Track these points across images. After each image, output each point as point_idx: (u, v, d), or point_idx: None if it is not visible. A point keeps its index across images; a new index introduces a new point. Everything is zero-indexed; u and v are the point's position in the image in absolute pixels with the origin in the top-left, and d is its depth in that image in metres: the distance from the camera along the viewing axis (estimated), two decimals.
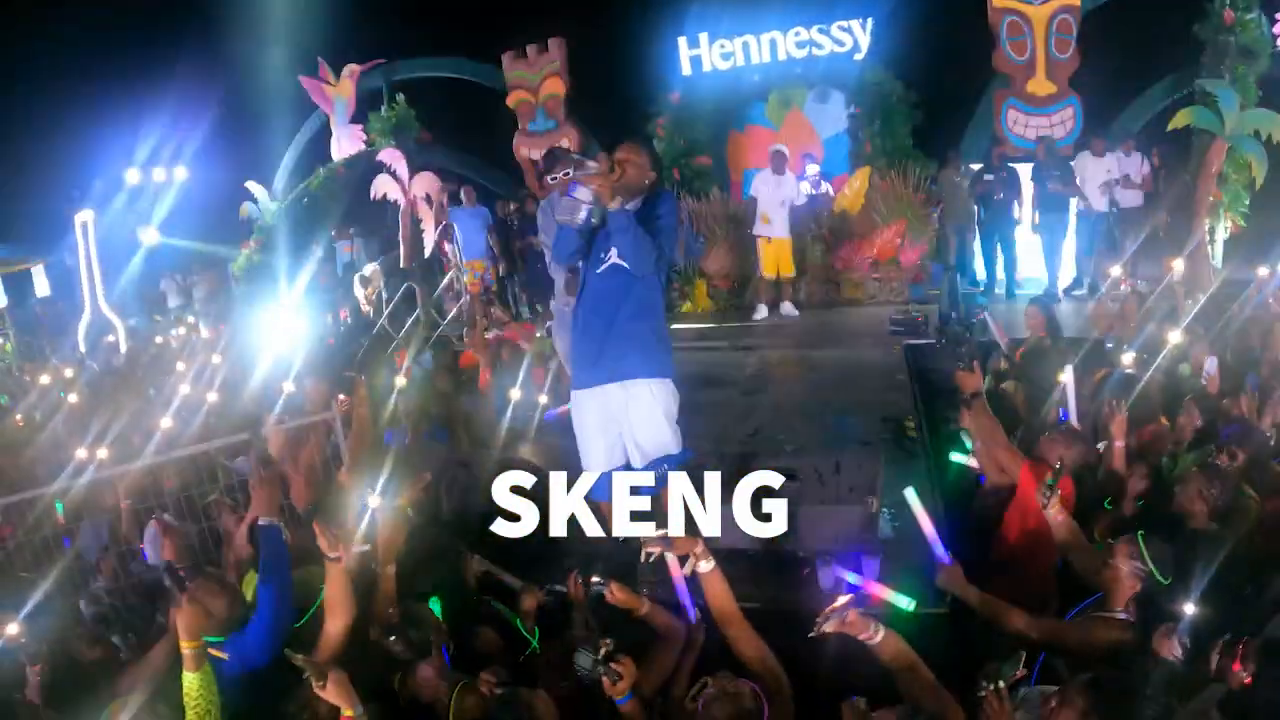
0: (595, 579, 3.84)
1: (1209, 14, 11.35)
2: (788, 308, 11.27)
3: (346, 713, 3.06)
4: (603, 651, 3.15)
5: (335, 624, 3.58)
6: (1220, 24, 11.27)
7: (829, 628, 3.12)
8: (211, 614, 3.46)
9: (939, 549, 3.98)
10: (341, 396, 6.17)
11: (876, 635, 3.18)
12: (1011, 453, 4.68)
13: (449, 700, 3.45)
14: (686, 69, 13.75)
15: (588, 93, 15.07)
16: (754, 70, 13.69)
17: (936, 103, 13.26)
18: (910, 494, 3.99)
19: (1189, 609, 3.31)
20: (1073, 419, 5.37)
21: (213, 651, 3.42)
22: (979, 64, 12.98)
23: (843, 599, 3.18)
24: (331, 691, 3.05)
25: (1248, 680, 2.96)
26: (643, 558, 3.46)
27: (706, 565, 3.46)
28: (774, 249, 10.87)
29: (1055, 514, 4.08)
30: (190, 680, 3.25)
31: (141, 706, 3.25)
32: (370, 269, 14.86)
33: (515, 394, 7.11)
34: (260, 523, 3.77)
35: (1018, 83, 12.73)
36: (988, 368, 7.59)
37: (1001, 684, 2.90)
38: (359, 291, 14.49)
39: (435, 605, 4.00)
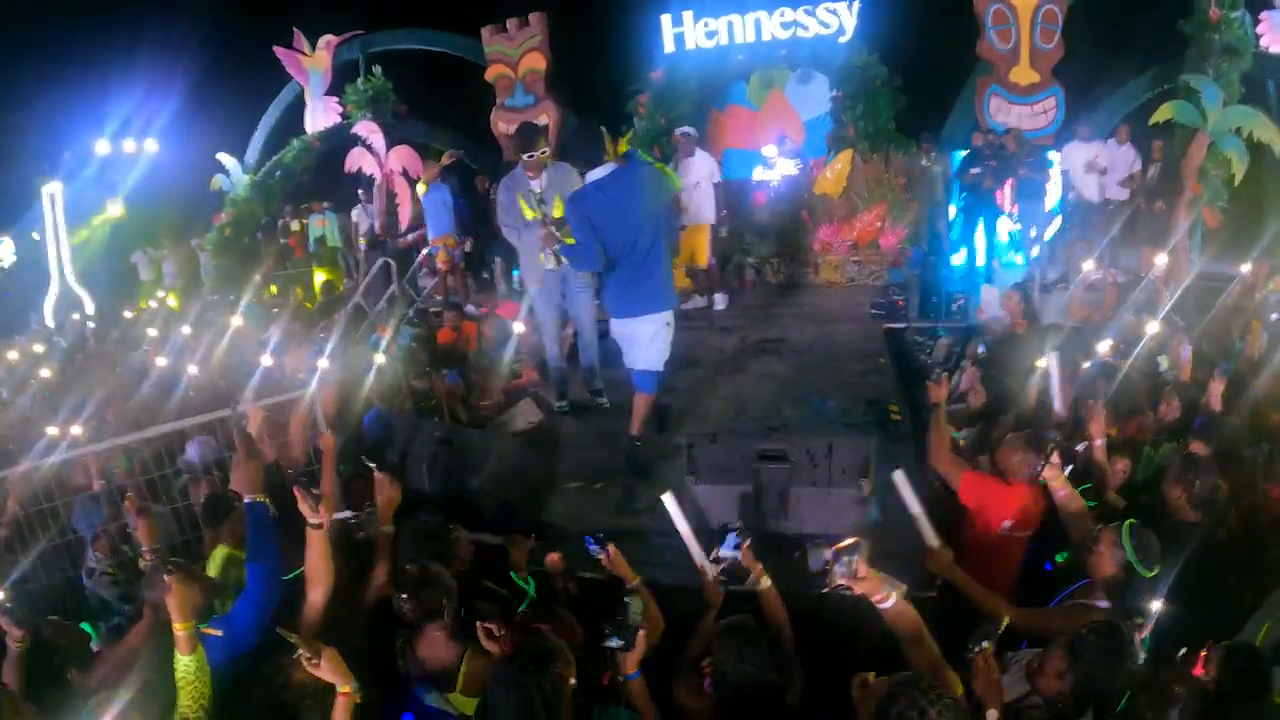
0: (593, 541, 3.87)
1: (1195, 11, 11.42)
2: (719, 300, 10.70)
3: (342, 689, 2.99)
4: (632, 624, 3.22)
5: (316, 593, 3.52)
6: (1206, 21, 11.35)
7: (842, 580, 3.09)
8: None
9: (927, 532, 3.96)
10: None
11: (888, 599, 3.15)
12: (954, 464, 4.71)
13: (459, 664, 3.41)
14: (670, 46, 13.61)
15: (568, 68, 14.89)
16: (738, 50, 13.58)
17: (920, 88, 13.20)
18: (899, 476, 3.96)
19: (1155, 606, 3.32)
20: (1057, 405, 5.37)
21: (206, 630, 3.33)
22: (964, 50, 12.95)
23: (849, 539, 3.14)
24: (325, 668, 2.98)
25: (1210, 685, 3.00)
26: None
27: (765, 583, 3.63)
28: (688, 238, 10.43)
29: (1057, 487, 4.18)
30: (185, 663, 3.15)
31: (128, 703, 3.10)
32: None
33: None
34: (245, 500, 3.68)
35: (1001, 70, 12.73)
36: (966, 353, 7.62)
37: (987, 644, 3.01)
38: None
39: None
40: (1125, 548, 3.62)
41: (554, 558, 4.07)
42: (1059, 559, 4.54)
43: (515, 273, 12.06)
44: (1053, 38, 12.47)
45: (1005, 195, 11.61)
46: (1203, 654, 3.14)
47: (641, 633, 3.23)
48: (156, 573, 3.41)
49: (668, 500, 3.97)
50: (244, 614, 3.47)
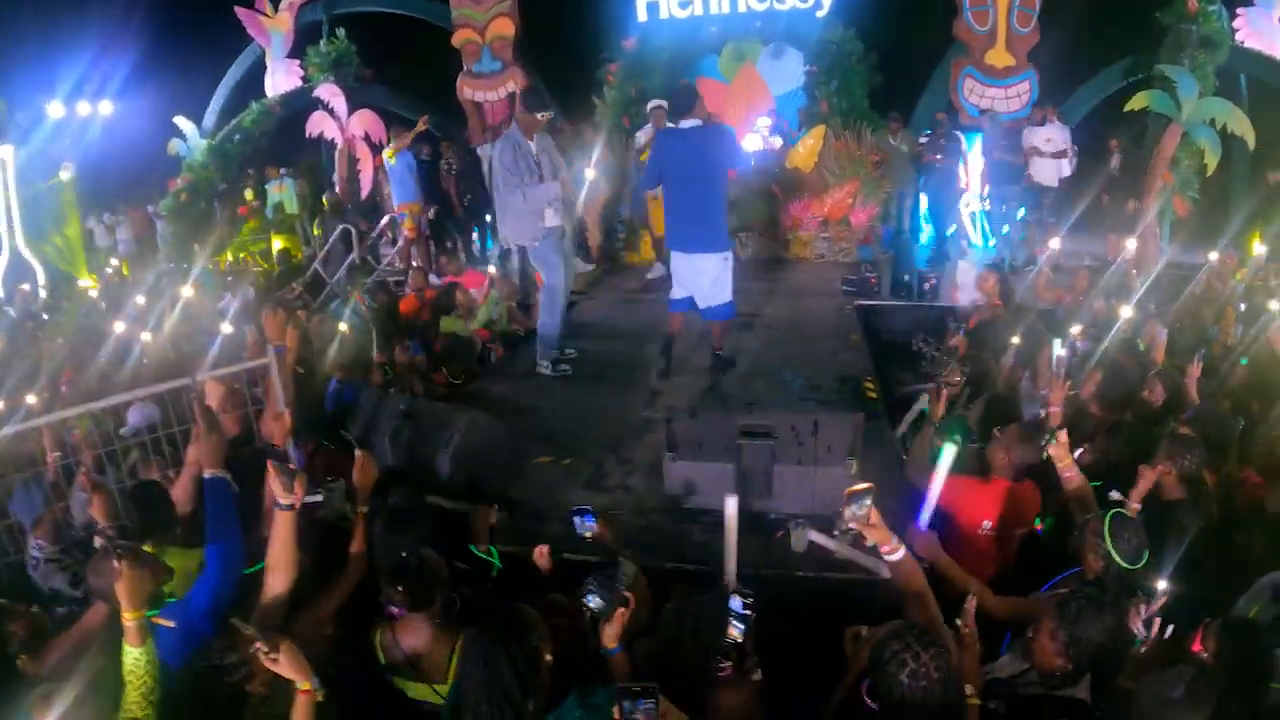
0: (579, 513, 3.73)
1: (1173, 1, 11.48)
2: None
3: (303, 687, 2.78)
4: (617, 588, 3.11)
5: (279, 581, 3.26)
6: (1183, 12, 11.42)
7: (853, 525, 3.08)
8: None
9: (924, 515, 3.84)
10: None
11: (896, 552, 3.14)
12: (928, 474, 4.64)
13: (449, 654, 3.19)
14: (643, 15, 13.42)
15: (538, 35, 14.55)
16: (712, 21, 13.43)
17: (895, 66, 13.15)
18: (950, 449, 3.78)
19: (1159, 585, 3.25)
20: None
21: (158, 620, 3.07)
22: (940, 30, 12.93)
23: (862, 485, 3.09)
24: (284, 664, 2.76)
25: (1212, 660, 2.97)
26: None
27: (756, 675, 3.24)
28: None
29: (1063, 468, 4.13)
30: (134, 656, 2.88)
31: (73, 699, 2.78)
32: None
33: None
34: (206, 476, 3.46)
35: (976, 52, 12.76)
36: (945, 335, 7.55)
37: (960, 622, 3.03)
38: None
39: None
40: (1104, 538, 3.51)
41: (543, 550, 3.84)
42: (1039, 522, 4.49)
43: (490, 245, 11.91)
44: (1030, 22, 12.53)
45: (968, 174, 11.61)
46: (1200, 630, 3.10)
47: (621, 610, 3.10)
48: (104, 558, 3.15)
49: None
50: (201, 599, 3.22)
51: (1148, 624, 3.10)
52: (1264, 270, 8.54)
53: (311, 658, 2.89)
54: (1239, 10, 11.81)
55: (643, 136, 10.60)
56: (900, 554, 3.15)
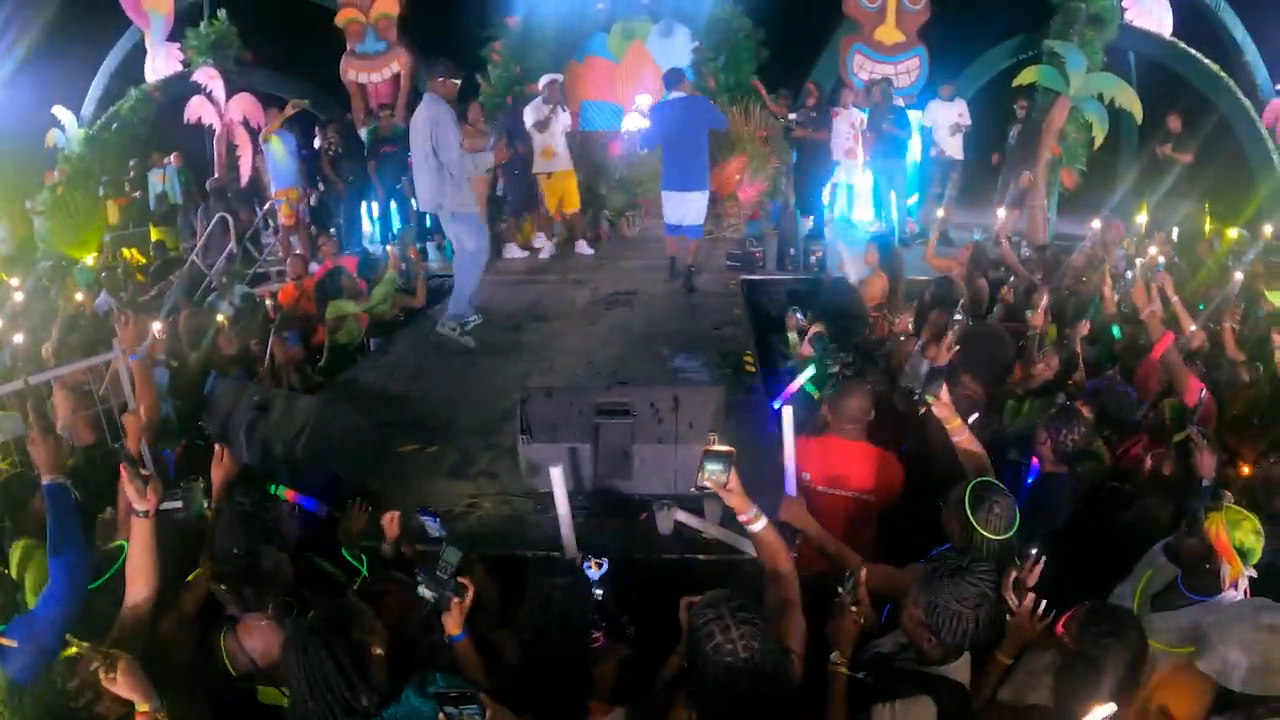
0: (424, 513, 3.64)
1: None
2: (582, 246, 11.09)
3: (141, 708, 2.61)
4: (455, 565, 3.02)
5: (140, 589, 3.09)
6: None
7: (710, 485, 2.94)
8: None
9: (790, 480, 3.73)
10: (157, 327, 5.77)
11: (756, 523, 3.02)
12: None
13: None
14: None
15: (423, 13, 14.21)
16: None
17: (784, 42, 13.13)
18: (788, 412, 3.69)
19: (1032, 551, 3.25)
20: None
21: (1, 640, 2.91)
22: (830, 7, 13.06)
23: (722, 447, 2.96)
24: (123, 684, 2.59)
25: (1071, 644, 2.92)
26: None
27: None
28: (557, 183, 10.68)
29: (953, 430, 3.98)
30: None
31: None
32: None
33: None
34: (44, 483, 3.24)
35: (867, 29, 12.92)
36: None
37: (842, 590, 3.00)
38: None
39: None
40: (965, 507, 3.40)
41: (393, 515, 3.79)
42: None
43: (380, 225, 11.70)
44: None
45: (864, 149, 11.75)
46: (1068, 613, 3.02)
47: (456, 600, 3.02)
48: None
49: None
50: (47, 616, 3.01)
51: (1019, 592, 3.10)
52: (1149, 240, 8.81)
53: (176, 664, 2.80)
54: None
55: (532, 113, 10.47)
56: (761, 525, 3.02)
